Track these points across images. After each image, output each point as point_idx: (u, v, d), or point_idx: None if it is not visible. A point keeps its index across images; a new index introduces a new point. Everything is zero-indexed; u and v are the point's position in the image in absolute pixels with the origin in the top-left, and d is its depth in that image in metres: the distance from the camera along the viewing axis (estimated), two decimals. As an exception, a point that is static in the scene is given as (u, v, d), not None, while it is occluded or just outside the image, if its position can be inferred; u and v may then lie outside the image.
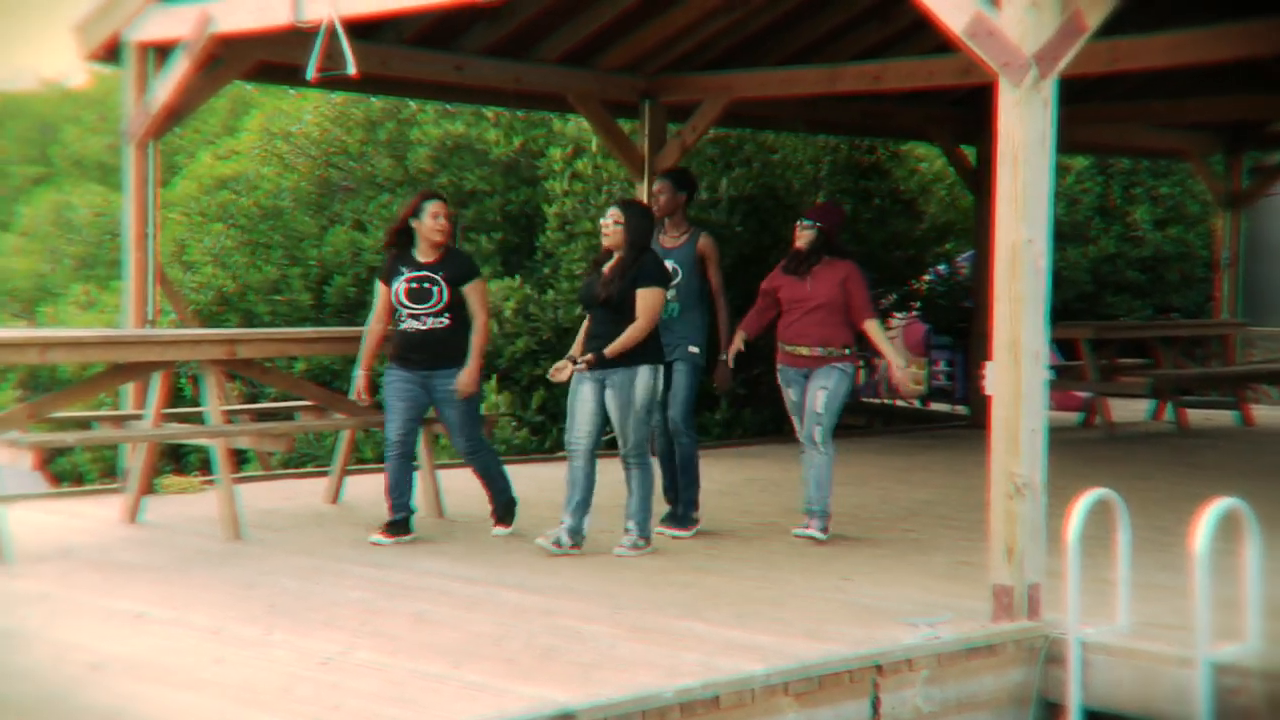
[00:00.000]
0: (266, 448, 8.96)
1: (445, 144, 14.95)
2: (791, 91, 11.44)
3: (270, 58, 9.56)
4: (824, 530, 7.98)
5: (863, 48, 11.74)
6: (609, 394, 7.52)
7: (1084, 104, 12.83)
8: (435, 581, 6.97)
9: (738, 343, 8.24)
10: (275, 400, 10.15)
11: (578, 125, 14.46)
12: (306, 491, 9.38)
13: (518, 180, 14.90)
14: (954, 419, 15.55)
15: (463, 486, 8.97)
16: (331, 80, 8.97)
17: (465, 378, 7.87)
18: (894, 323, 17.32)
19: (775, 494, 9.83)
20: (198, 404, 8.89)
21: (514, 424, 13.22)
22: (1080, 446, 12.27)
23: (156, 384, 8.24)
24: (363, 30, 8.99)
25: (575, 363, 7.57)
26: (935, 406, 17.52)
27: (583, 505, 7.59)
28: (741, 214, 13.83)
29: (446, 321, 7.87)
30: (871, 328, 7.95)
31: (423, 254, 7.92)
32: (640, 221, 7.59)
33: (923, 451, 12.31)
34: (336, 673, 5.39)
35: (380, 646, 5.76)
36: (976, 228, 13.85)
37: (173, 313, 9.70)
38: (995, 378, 6.13)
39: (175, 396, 8.87)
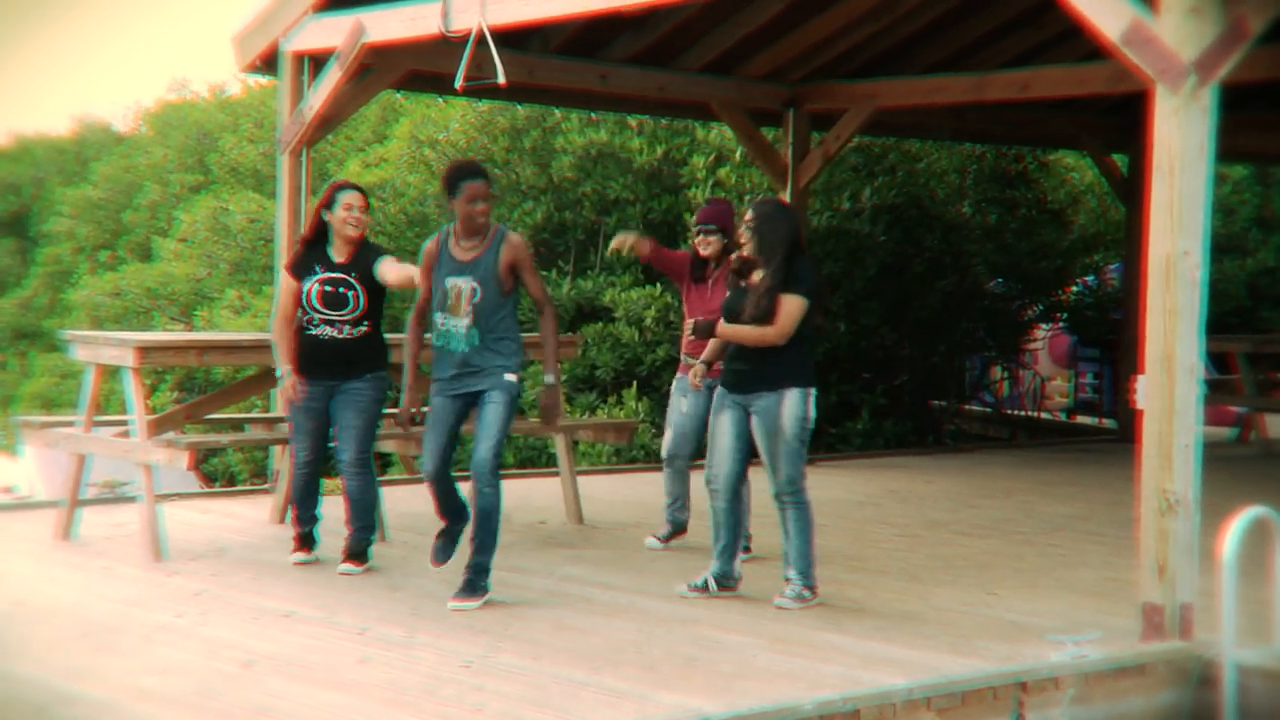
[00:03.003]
0: (411, 452, 9.08)
1: (589, 152, 15.04)
2: (937, 100, 11.29)
3: (419, 67, 9.72)
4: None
5: (1011, 55, 11.58)
6: (754, 421, 6.71)
7: (1244, 111, 12.45)
8: (575, 588, 7.01)
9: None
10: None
11: (721, 134, 14.46)
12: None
13: (660, 188, 14.93)
14: (1101, 432, 15.25)
15: (602, 493, 9.01)
16: (479, 89, 9.09)
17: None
18: (1038, 334, 17.04)
19: (917, 506, 9.73)
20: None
21: (653, 431, 13.25)
22: (1234, 463, 11.94)
23: (306, 387, 8.41)
24: (510, 40, 9.10)
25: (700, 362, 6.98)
26: (1081, 419, 17.19)
27: (729, 549, 6.85)
28: (885, 223, 13.73)
29: (366, 329, 7.22)
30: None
31: (337, 251, 7.26)
32: (779, 223, 6.65)
33: (1069, 465, 12.08)
34: (479, 675, 5.45)
35: (522, 650, 5.81)
36: (1127, 237, 13.55)
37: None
38: (1147, 391, 5.99)
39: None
